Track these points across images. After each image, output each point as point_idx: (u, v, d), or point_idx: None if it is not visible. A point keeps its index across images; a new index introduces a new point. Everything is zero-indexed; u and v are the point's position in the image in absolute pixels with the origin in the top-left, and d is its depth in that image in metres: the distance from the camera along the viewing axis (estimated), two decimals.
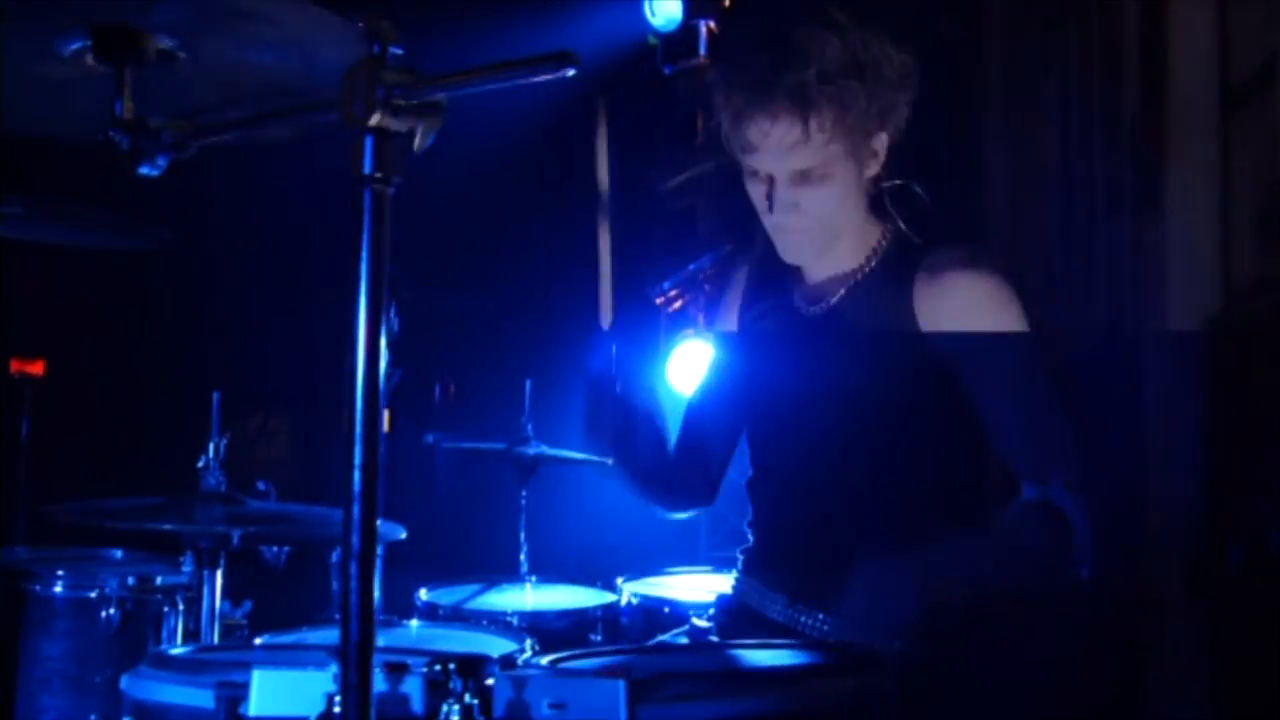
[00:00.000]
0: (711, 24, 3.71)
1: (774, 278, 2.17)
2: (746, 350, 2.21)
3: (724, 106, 2.01)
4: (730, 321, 2.26)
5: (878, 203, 2.07)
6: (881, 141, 2.01)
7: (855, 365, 2.02)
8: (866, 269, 2.06)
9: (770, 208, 2.00)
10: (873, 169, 2.02)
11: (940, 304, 1.96)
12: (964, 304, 1.95)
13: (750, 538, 2.18)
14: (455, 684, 1.27)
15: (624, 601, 2.72)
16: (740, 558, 2.19)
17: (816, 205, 1.99)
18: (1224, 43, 2.45)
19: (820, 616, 1.99)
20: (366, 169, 1.09)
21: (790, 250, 2.06)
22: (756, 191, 2.03)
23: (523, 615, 2.65)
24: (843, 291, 2.06)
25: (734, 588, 2.18)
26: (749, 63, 1.95)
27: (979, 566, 1.86)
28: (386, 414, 2.91)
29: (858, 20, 1.97)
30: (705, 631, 2.17)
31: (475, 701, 1.27)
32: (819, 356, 2.07)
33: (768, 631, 2.02)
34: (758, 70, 1.93)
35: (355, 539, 1.09)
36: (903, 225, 2.05)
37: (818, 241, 2.04)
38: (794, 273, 2.13)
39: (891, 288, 2.01)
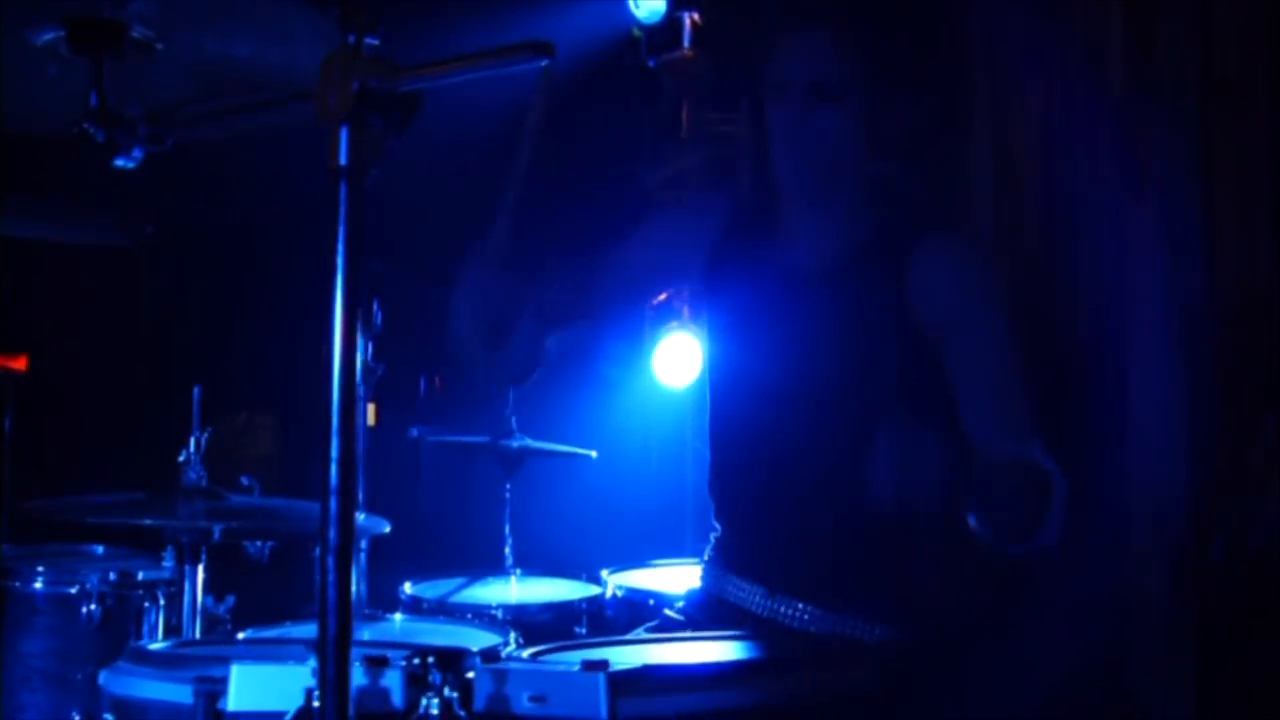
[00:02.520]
0: (695, 16, 3.71)
1: (751, 238, 2.16)
2: (724, 308, 2.18)
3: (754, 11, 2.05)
4: (692, 264, 2.21)
5: (879, 176, 2.09)
6: (894, 109, 2.04)
7: (843, 339, 2.02)
8: (857, 239, 2.06)
9: (782, 105, 2.01)
10: (879, 130, 2.04)
11: (938, 273, 1.99)
12: (953, 277, 2.00)
13: (719, 528, 2.16)
14: (435, 677, 1.26)
15: (609, 594, 2.72)
16: (709, 548, 2.18)
17: (826, 125, 2.00)
18: (1208, 33, 2.46)
19: (801, 607, 1.99)
20: (342, 160, 1.08)
21: (792, 173, 2.05)
22: (771, 105, 2.04)
23: (507, 608, 2.65)
24: (832, 259, 2.06)
25: (704, 581, 2.16)
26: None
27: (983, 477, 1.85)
28: (372, 408, 2.89)
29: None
30: (678, 624, 2.16)
31: (455, 695, 1.26)
32: (806, 327, 2.06)
33: (747, 625, 2.01)
34: None
35: (333, 533, 1.09)
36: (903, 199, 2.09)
37: (818, 173, 2.04)
38: (775, 239, 2.12)
39: (882, 260, 2.02)
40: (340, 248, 1.06)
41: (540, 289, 2.07)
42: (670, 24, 3.73)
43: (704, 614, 2.13)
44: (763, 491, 2.08)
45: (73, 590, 2.26)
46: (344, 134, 1.08)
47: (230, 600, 2.37)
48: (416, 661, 1.28)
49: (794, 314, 2.06)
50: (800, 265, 2.09)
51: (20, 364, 3.02)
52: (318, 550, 1.11)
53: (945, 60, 2.35)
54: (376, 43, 1.10)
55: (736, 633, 1.88)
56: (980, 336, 1.98)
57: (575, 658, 1.36)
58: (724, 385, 2.17)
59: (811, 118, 2.01)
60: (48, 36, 1.33)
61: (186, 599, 2.12)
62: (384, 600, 2.74)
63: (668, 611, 2.25)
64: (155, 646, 1.80)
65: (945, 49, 2.29)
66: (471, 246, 1.99)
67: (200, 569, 2.13)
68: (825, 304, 2.05)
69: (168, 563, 2.25)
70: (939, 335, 1.99)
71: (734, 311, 2.15)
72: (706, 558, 2.18)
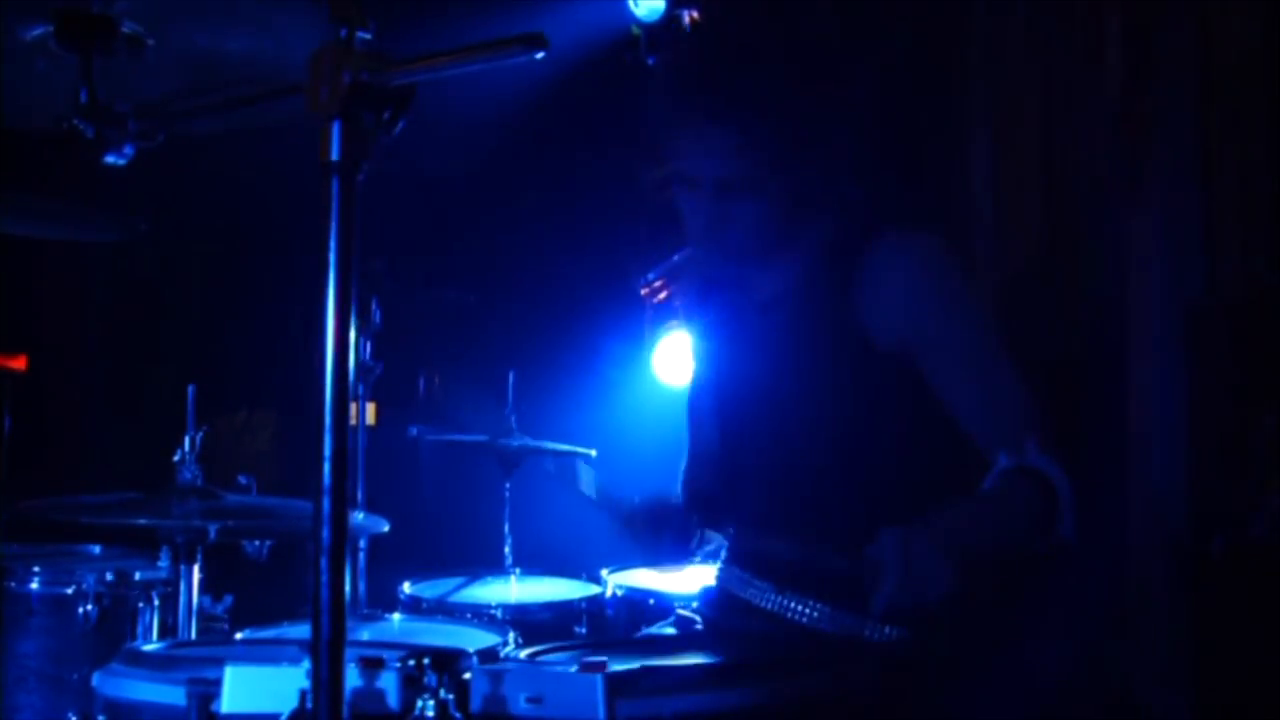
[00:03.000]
0: (695, 14, 3.70)
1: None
2: (711, 340, 2.21)
3: (654, 107, 1.95)
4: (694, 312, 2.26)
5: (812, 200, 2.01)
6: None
7: (804, 351, 2.01)
8: (805, 262, 2.01)
9: (693, 217, 1.93)
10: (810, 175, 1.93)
11: (887, 289, 1.90)
12: (912, 285, 1.91)
13: (731, 529, 2.18)
14: (430, 679, 1.25)
15: (609, 593, 2.71)
16: (724, 546, 2.19)
17: (743, 213, 1.91)
18: (1207, 32, 2.45)
19: (811, 604, 1.98)
20: (334, 155, 1.07)
21: (716, 254, 1.99)
22: (682, 199, 1.95)
23: (507, 608, 2.64)
24: (783, 284, 2.03)
25: (719, 578, 2.17)
26: (680, 62, 1.92)
27: (984, 527, 1.83)
28: (372, 407, 2.88)
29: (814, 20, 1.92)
30: (691, 622, 2.16)
31: (451, 696, 1.25)
32: (770, 343, 2.06)
33: (756, 621, 2.01)
34: (689, 70, 1.90)
35: (326, 532, 1.08)
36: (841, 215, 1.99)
37: (747, 248, 1.96)
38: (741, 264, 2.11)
39: (829, 281, 1.96)
40: (332, 243, 1.05)
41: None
42: (669, 22, 3.72)
43: (716, 610, 2.13)
44: (769, 492, 2.08)
45: (69, 590, 2.25)
46: (336, 128, 1.07)
47: (228, 600, 2.36)
48: (412, 663, 1.27)
49: (753, 342, 2.07)
50: (754, 293, 2.08)
51: (20, 363, 3.01)
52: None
53: (932, 59, 2.34)
54: (368, 37, 1.09)
55: (739, 633, 1.88)
56: (947, 344, 1.91)
57: (573, 658, 1.35)
58: (697, 403, 2.19)
59: (727, 210, 1.89)
60: (36, 31, 1.32)
61: (182, 599, 2.11)
62: (383, 600, 2.74)
63: (681, 609, 2.25)
64: (149, 648, 1.79)
65: (927, 52, 2.26)
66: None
67: (196, 569, 2.12)
68: (775, 327, 2.04)
69: (164, 563, 2.24)
70: (905, 349, 1.92)
71: (705, 336, 2.18)
72: (722, 555, 2.19)
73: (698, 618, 2.16)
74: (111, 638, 2.19)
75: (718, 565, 2.19)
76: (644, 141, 1.98)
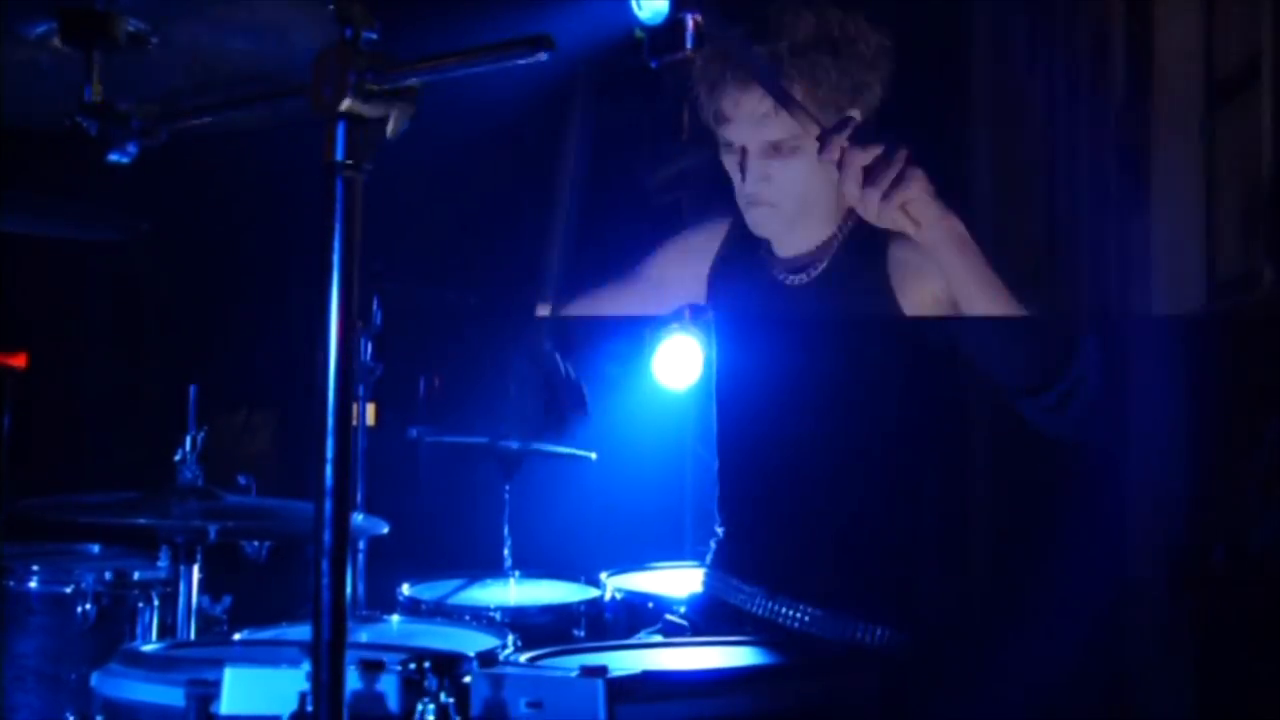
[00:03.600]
0: (698, 17, 3.70)
1: (747, 250, 2.17)
2: (726, 325, 2.21)
3: (700, 78, 2.02)
4: (695, 291, 2.25)
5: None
6: (854, 115, 2.00)
7: (839, 342, 2.02)
8: (838, 241, 2.06)
9: (743, 178, 2.01)
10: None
11: (916, 255, 1.94)
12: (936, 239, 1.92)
13: (720, 531, 2.16)
14: (431, 682, 1.25)
15: (608, 596, 2.70)
16: (711, 552, 2.18)
17: (787, 179, 2.01)
18: (1209, 38, 2.45)
19: (803, 608, 1.98)
20: (338, 155, 1.07)
21: (761, 224, 2.08)
22: (730, 163, 2.06)
23: (506, 610, 2.63)
24: (824, 264, 2.06)
25: (706, 584, 2.16)
26: (723, 34, 1.96)
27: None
28: (372, 408, 2.89)
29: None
30: (680, 628, 2.16)
31: (451, 700, 1.25)
32: (800, 328, 2.07)
33: (748, 627, 2.00)
34: (731, 41, 1.95)
35: (327, 535, 1.07)
36: None
37: (788, 215, 2.06)
38: (766, 246, 2.13)
39: (866, 258, 2.01)
40: (336, 243, 1.04)
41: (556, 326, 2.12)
42: (673, 25, 3.72)
43: (705, 617, 2.12)
44: (765, 494, 2.08)
45: (68, 590, 2.24)
46: (340, 129, 1.06)
47: (227, 600, 2.36)
48: (413, 666, 1.27)
49: (789, 321, 2.07)
50: (789, 275, 2.09)
51: (20, 361, 3.00)
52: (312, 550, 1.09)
53: (936, 62, 2.35)
54: (374, 37, 1.08)
55: (736, 638, 1.87)
56: (973, 299, 1.91)
57: (573, 663, 1.35)
58: (728, 392, 2.18)
59: (774, 184, 2.01)
60: (40, 29, 1.31)
61: (181, 599, 2.10)
62: (382, 601, 2.73)
63: (670, 615, 2.24)
64: (148, 648, 1.79)
65: (932, 56, 2.29)
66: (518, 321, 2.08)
67: (195, 569, 2.11)
68: (816, 308, 2.05)
69: (163, 563, 2.24)
70: (954, 335, 1.95)
71: (735, 322, 2.17)
72: (709, 561, 2.18)
73: (686, 623, 2.16)
74: (110, 637, 2.18)
75: (704, 571, 2.19)
76: (701, 131, 2.08)
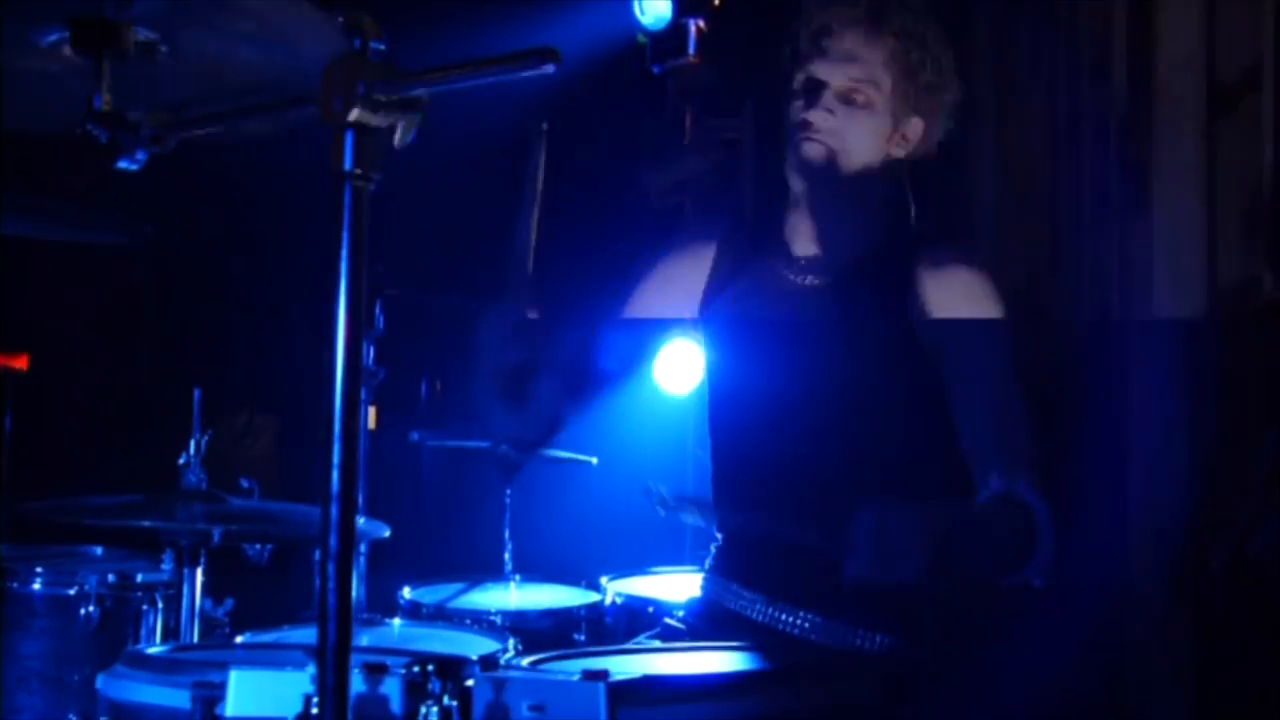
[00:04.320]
0: (700, 23, 3.70)
1: (754, 254, 2.17)
2: (721, 320, 2.20)
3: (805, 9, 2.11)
4: (686, 308, 2.23)
5: (891, 190, 2.11)
6: (914, 128, 2.09)
7: (850, 346, 2.03)
8: (863, 249, 2.08)
9: (810, 104, 2.06)
10: (897, 146, 2.09)
11: (940, 294, 2.01)
12: (962, 296, 2.02)
13: (720, 536, 2.16)
14: (434, 685, 1.26)
15: (608, 601, 2.71)
16: (710, 557, 2.18)
17: (849, 124, 2.05)
18: (1211, 45, 2.46)
19: (802, 615, 1.98)
20: (347, 165, 1.08)
21: (808, 162, 2.08)
22: (800, 102, 2.08)
23: (506, 614, 2.64)
24: (838, 268, 2.08)
25: (704, 588, 2.16)
26: None
27: (963, 533, 1.85)
28: (373, 411, 2.89)
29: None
30: (679, 633, 2.16)
31: (454, 703, 1.26)
32: (813, 333, 2.07)
33: (747, 633, 2.01)
34: None
35: (333, 539, 1.08)
36: (911, 217, 2.13)
37: (833, 168, 2.07)
38: (780, 247, 2.14)
39: (890, 272, 2.04)
40: (344, 252, 1.05)
41: (553, 352, 2.09)
42: (675, 30, 3.73)
43: (704, 622, 2.13)
44: (763, 498, 2.08)
45: (71, 592, 2.25)
46: (348, 138, 1.07)
47: (229, 603, 2.36)
48: (416, 669, 1.27)
49: (798, 325, 2.08)
50: (804, 276, 2.10)
51: (21, 363, 3.01)
52: (318, 553, 1.10)
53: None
54: (382, 48, 1.09)
55: (737, 643, 1.88)
56: (980, 357, 2.00)
57: (575, 666, 1.35)
58: (727, 394, 2.17)
59: (838, 122, 2.05)
60: (52, 37, 1.33)
61: (185, 602, 2.11)
62: (383, 605, 2.74)
63: (669, 620, 2.25)
64: (153, 650, 1.80)
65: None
66: (485, 302, 2.00)
67: (199, 572, 2.12)
68: (829, 315, 2.06)
69: (167, 565, 2.24)
70: (939, 352, 2.00)
71: (736, 324, 2.16)
72: (707, 566, 2.18)
73: (684, 628, 2.16)
74: (113, 639, 2.19)
75: (702, 576, 2.19)
76: (703, 136, 2.13)
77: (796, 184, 2.11)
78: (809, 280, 2.10)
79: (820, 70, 2.07)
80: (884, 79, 2.06)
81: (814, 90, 2.06)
